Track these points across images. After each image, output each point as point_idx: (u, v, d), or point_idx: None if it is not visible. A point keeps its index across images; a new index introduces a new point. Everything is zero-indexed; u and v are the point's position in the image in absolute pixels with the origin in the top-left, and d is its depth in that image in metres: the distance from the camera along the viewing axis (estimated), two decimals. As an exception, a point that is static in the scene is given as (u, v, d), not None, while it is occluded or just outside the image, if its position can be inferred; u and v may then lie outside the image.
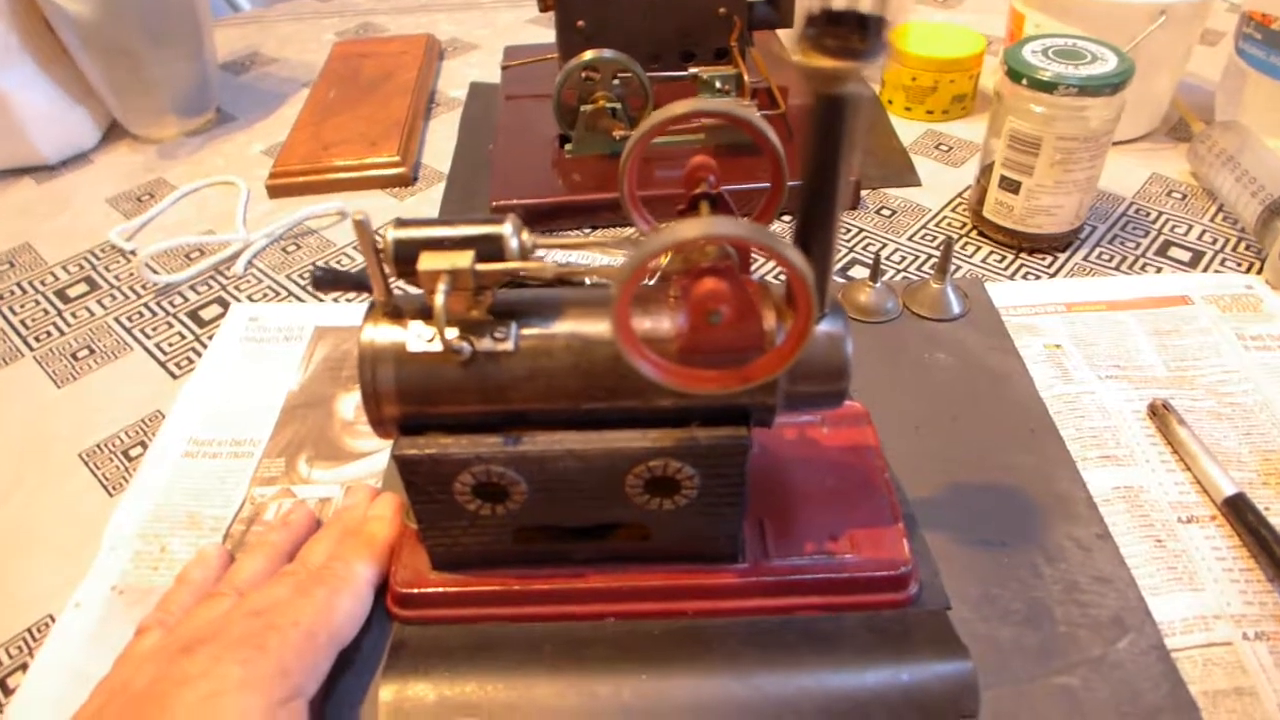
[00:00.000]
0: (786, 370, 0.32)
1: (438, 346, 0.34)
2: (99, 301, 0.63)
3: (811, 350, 0.32)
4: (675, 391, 0.33)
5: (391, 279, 0.34)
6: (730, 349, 0.33)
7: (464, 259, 0.32)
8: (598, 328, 0.34)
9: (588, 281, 0.37)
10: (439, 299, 0.31)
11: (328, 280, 0.35)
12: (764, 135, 0.35)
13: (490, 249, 0.32)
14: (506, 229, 0.32)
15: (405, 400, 0.35)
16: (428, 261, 0.32)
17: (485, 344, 0.34)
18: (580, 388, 0.34)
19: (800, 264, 0.29)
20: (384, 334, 0.35)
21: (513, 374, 0.34)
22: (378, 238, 0.33)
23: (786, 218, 0.57)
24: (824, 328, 0.35)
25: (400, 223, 0.33)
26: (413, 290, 0.34)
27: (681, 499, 0.36)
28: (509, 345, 0.34)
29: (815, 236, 0.32)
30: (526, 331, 0.34)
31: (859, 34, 0.27)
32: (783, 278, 0.32)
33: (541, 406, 0.35)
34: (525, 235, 0.33)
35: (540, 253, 0.34)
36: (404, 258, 0.33)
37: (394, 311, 0.35)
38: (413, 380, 0.34)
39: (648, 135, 0.35)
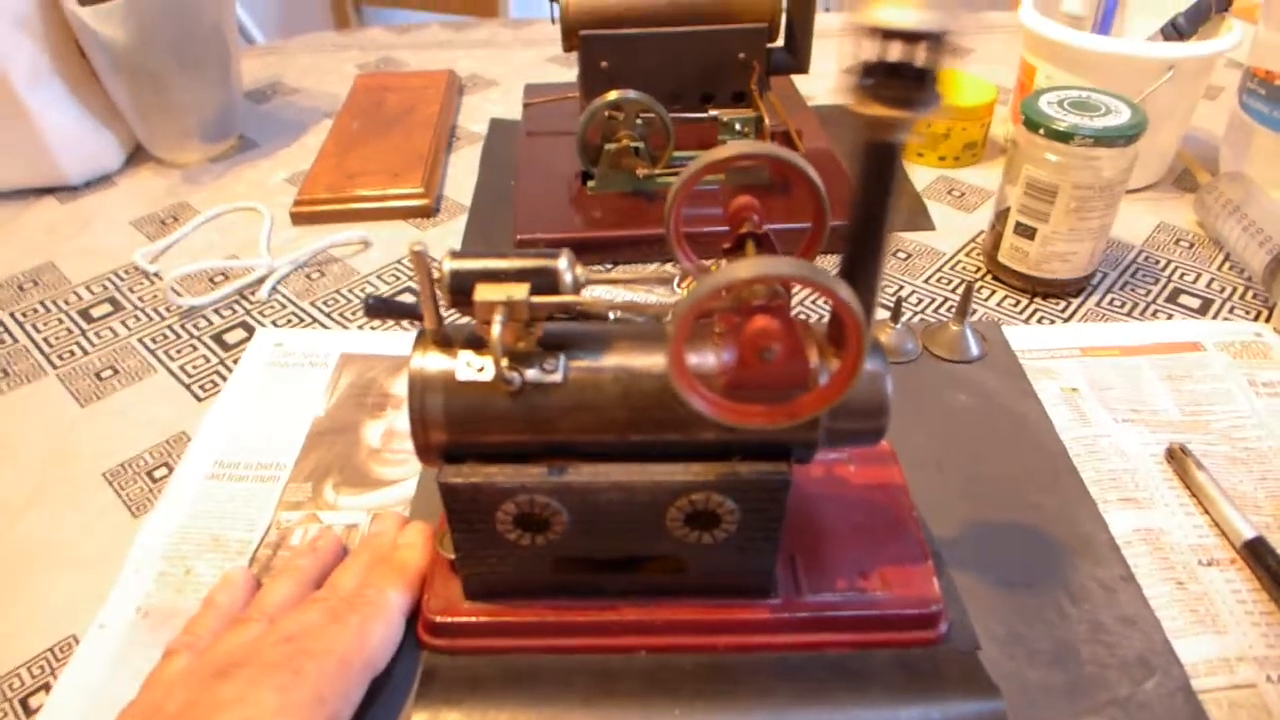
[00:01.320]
0: (833, 406, 0.33)
1: (487, 376, 0.34)
2: (123, 322, 0.63)
3: (854, 388, 0.33)
4: (718, 425, 0.33)
5: (443, 308, 0.35)
6: (777, 385, 0.33)
7: (520, 291, 0.33)
8: (644, 361, 0.35)
9: (612, 316, 0.37)
10: (495, 330, 0.32)
11: (380, 309, 0.36)
12: (809, 178, 0.36)
13: (544, 282, 0.33)
14: (561, 263, 0.33)
15: (453, 428, 0.35)
16: (484, 292, 0.33)
17: (534, 375, 0.34)
18: (626, 420, 0.35)
19: (854, 303, 0.29)
20: (434, 362, 0.35)
21: (560, 405, 0.35)
22: (433, 268, 0.34)
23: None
24: (865, 366, 0.35)
25: (455, 254, 0.34)
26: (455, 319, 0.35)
27: (721, 533, 0.37)
28: (558, 377, 0.34)
29: (861, 278, 0.33)
30: (575, 364, 0.35)
31: (914, 85, 0.28)
32: (803, 315, 0.33)
33: (587, 438, 0.35)
34: (579, 270, 0.34)
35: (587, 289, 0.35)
36: (459, 288, 0.33)
37: (443, 340, 0.35)
38: (461, 409, 0.35)
39: (695, 176, 0.36)
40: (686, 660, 0.40)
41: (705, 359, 0.35)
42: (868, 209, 0.32)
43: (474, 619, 0.40)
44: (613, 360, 0.35)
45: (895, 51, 0.28)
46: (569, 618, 0.40)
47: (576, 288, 0.34)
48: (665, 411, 0.34)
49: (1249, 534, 0.44)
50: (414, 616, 0.41)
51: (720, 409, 0.32)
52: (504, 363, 0.33)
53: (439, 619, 0.40)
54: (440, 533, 0.42)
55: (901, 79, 0.28)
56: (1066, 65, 0.72)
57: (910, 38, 0.27)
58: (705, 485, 0.35)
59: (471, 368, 0.35)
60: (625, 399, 0.34)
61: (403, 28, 1.16)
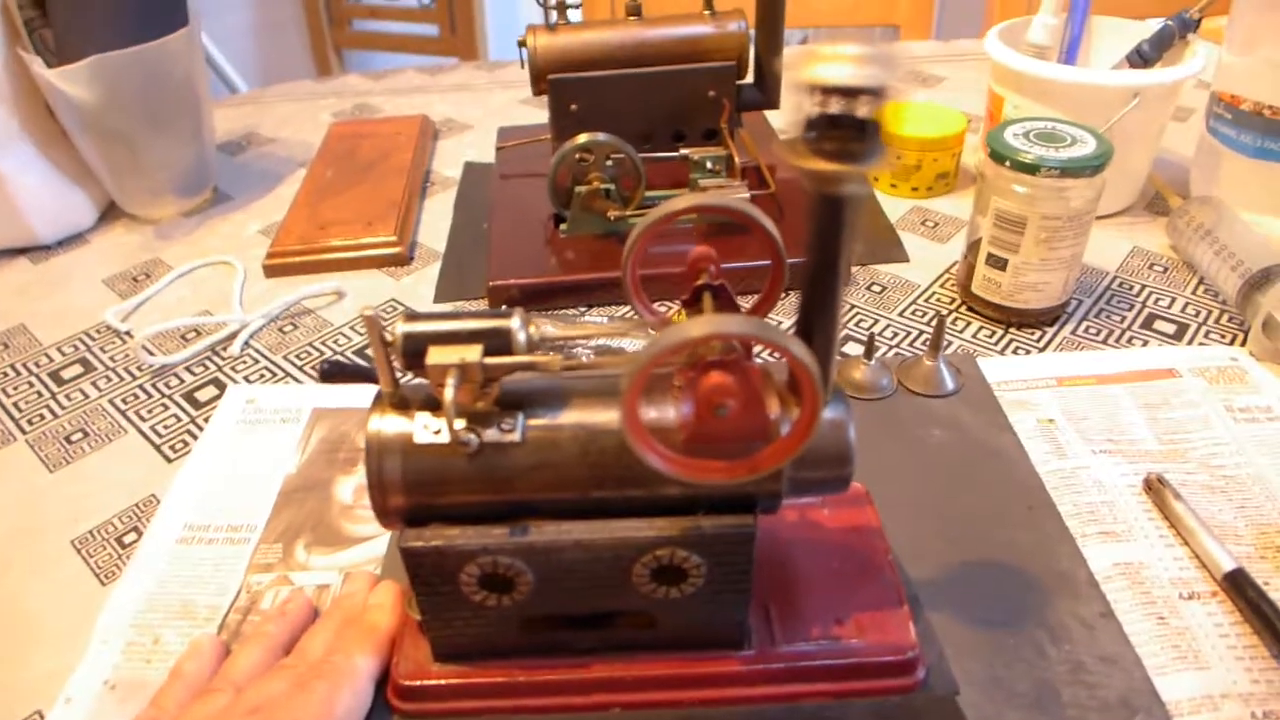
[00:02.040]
0: (792, 459, 0.32)
1: (445, 438, 0.34)
2: (94, 383, 0.63)
3: (816, 438, 0.32)
4: (681, 480, 0.33)
5: (399, 371, 0.34)
6: (736, 439, 0.33)
7: (472, 353, 0.32)
8: (603, 417, 0.35)
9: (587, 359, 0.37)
10: (448, 393, 0.32)
11: (335, 373, 0.36)
12: (763, 227, 0.36)
13: (498, 342, 0.33)
14: (514, 323, 0.33)
15: (411, 492, 0.35)
16: (437, 355, 0.32)
17: (492, 435, 0.34)
18: (587, 478, 0.34)
19: (806, 359, 0.29)
20: (391, 425, 0.35)
21: (519, 465, 0.34)
22: (386, 332, 0.33)
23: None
24: (827, 415, 0.35)
25: (409, 316, 0.34)
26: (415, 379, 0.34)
27: (688, 587, 0.36)
28: (516, 436, 0.34)
29: (818, 327, 0.33)
30: (533, 422, 0.34)
31: (856, 137, 0.28)
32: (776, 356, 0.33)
33: (548, 497, 0.35)
34: (533, 328, 0.34)
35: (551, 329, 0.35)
36: (412, 351, 0.33)
37: (400, 402, 0.35)
38: (419, 472, 0.34)
39: (650, 231, 0.36)
40: (661, 716, 0.39)
41: (664, 413, 0.34)
42: (822, 259, 0.32)
43: (443, 681, 0.39)
44: (572, 418, 0.35)
45: (836, 106, 0.28)
46: (540, 677, 0.39)
47: (530, 347, 0.33)
48: (626, 468, 0.34)
49: (1229, 565, 0.44)
50: (384, 679, 0.40)
51: (678, 465, 0.32)
52: (459, 425, 0.33)
53: (408, 683, 0.39)
54: (409, 593, 0.41)
55: (843, 132, 0.28)
56: (1033, 95, 0.72)
57: (849, 93, 0.27)
58: (669, 541, 0.35)
59: (429, 430, 0.34)
60: (585, 457, 0.34)
61: (378, 74, 1.16)
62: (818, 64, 0.27)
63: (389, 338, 0.33)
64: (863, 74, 0.26)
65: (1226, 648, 0.41)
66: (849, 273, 0.32)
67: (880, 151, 0.28)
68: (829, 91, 0.27)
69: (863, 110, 0.28)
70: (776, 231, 0.36)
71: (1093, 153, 0.57)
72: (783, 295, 0.38)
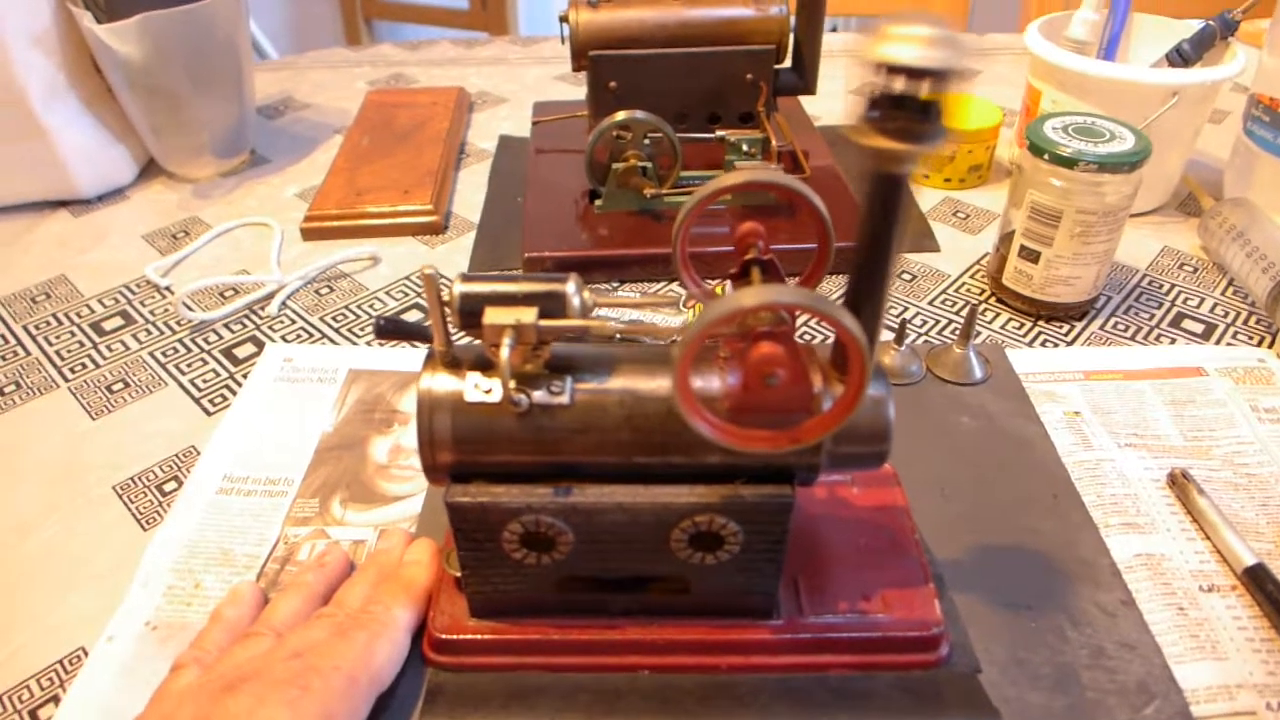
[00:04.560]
0: (836, 431, 0.33)
1: (495, 398, 0.35)
2: (134, 336, 0.64)
3: (857, 413, 0.33)
4: (722, 449, 0.34)
5: (452, 330, 0.35)
6: (781, 410, 0.34)
7: (528, 314, 0.33)
8: (649, 384, 0.35)
9: (616, 336, 0.38)
10: (504, 353, 0.33)
11: (390, 330, 0.36)
12: (815, 207, 0.36)
13: (552, 306, 0.34)
14: (569, 287, 0.34)
15: (460, 448, 0.36)
16: (493, 316, 0.33)
17: (541, 397, 0.35)
18: (631, 442, 0.35)
19: (858, 332, 0.30)
20: (442, 383, 0.36)
21: (566, 427, 0.35)
22: (443, 291, 0.34)
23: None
24: (869, 391, 0.36)
25: (465, 277, 0.34)
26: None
27: (724, 554, 0.37)
28: (564, 399, 0.35)
29: (866, 304, 0.33)
30: (581, 386, 0.35)
31: (918, 119, 0.29)
32: (807, 336, 0.33)
33: (592, 459, 0.36)
34: (586, 294, 0.34)
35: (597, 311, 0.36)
36: (469, 311, 0.34)
37: (452, 361, 0.36)
38: (469, 429, 0.35)
39: (702, 204, 0.36)
40: (689, 680, 0.40)
41: (710, 383, 0.35)
42: (874, 237, 0.32)
43: (479, 637, 0.40)
44: (619, 383, 0.35)
45: (900, 86, 0.29)
46: (573, 636, 0.40)
47: (584, 311, 0.34)
48: (669, 434, 0.35)
49: (1250, 560, 0.45)
50: (419, 633, 0.41)
51: (725, 433, 0.33)
52: (511, 385, 0.34)
53: (444, 636, 0.40)
54: (446, 550, 0.43)
55: (906, 112, 0.29)
56: (1072, 90, 0.72)
57: (915, 74, 0.28)
58: (709, 507, 0.36)
59: (479, 389, 0.35)
60: (630, 421, 0.35)
61: (413, 44, 1.17)
62: (887, 43, 0.27)
63: (445, 297, 0.34)
64: (932, 55, 0.27)
65: (1244, 640, 0.42)
66: (899, 249, 0.32)
67: (942, 133, 0.29)
68: (895, 71, 0.28)
69: (928, 92, 0.28)
70: (825, 209, 0.37)
71: (1131, 149, 0.57)
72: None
